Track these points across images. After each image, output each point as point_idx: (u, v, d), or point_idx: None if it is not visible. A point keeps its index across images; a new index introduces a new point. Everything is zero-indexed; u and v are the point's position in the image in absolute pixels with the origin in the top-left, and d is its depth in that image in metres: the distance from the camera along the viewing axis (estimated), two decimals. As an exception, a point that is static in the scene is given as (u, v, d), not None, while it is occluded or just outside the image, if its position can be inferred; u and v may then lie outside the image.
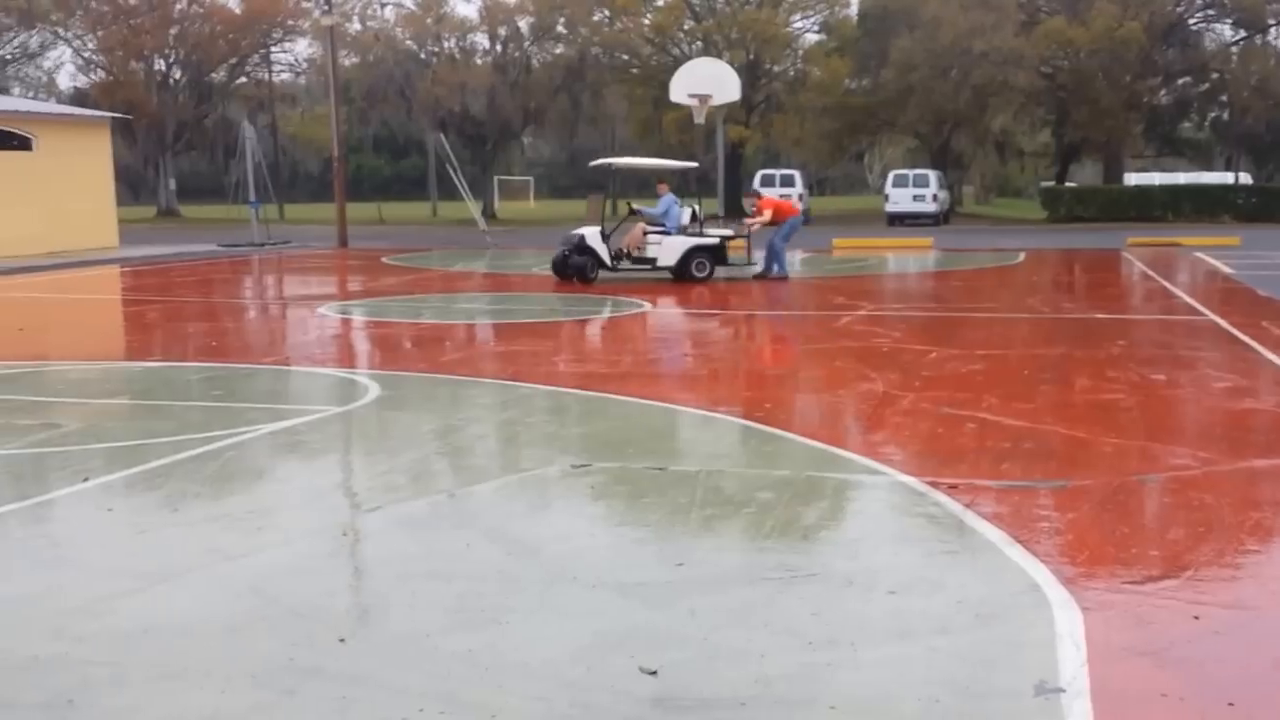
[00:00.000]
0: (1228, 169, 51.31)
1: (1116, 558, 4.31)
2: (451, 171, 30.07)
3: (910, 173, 38.52)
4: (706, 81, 22.54)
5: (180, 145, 50.60)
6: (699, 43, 43.79)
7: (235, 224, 31.45)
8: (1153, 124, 43.25)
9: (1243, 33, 42.57)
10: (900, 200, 36.30)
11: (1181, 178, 47.76)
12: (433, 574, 4.12)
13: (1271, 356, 9.17)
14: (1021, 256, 21.77)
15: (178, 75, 50.19)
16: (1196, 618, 3.72)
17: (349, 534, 4.67)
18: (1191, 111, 44.61)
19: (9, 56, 52.91)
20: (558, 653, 3.41)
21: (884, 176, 44.57)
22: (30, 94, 52.89)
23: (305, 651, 3.41)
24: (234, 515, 4.89)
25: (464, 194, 30.42)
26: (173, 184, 49.24)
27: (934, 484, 5.28)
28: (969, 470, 5.61)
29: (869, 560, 4.30)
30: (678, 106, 26.52)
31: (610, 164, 18.10)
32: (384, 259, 22.45)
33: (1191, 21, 41.78)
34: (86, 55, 51.29)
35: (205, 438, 6.30)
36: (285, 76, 54.93)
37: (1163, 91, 42.60)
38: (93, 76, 51.52)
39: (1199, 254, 21.61)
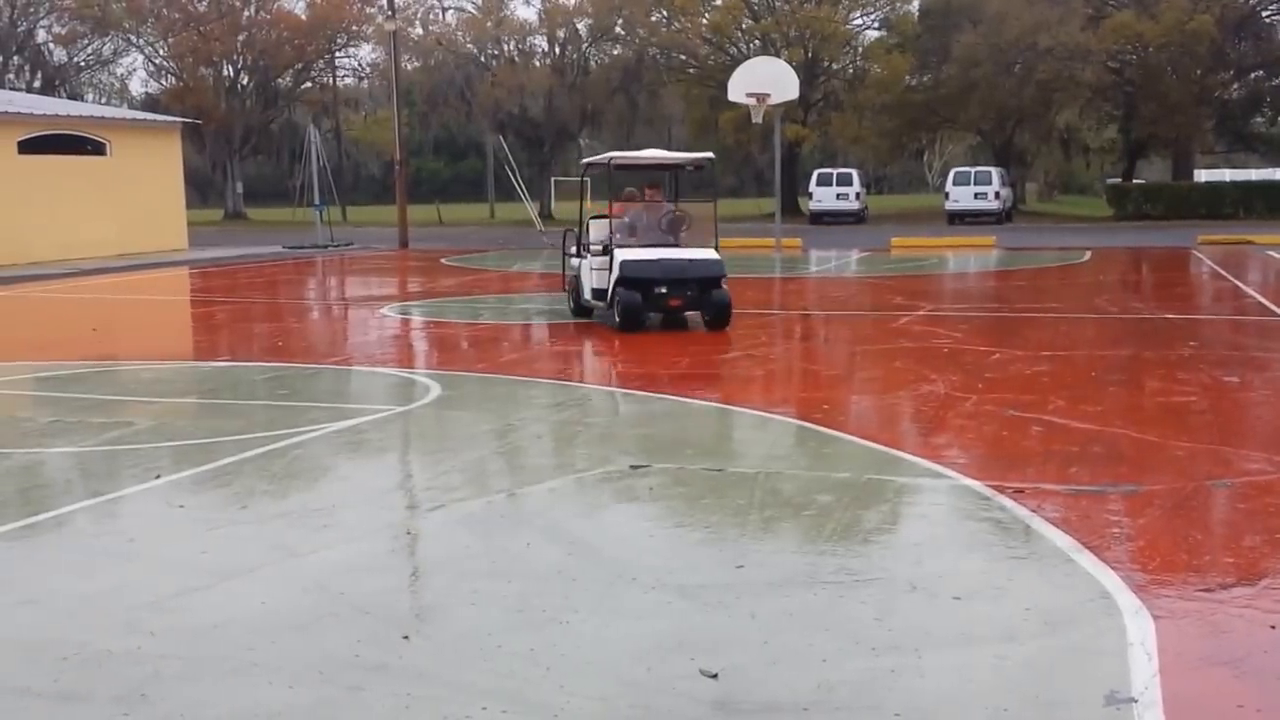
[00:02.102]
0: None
1: (1189, 565, 4.20)
2: (509, 173, 30.34)
3: (972, 170, 37.92)
4: (765, 80, 22.41)
5: (247, 149, 51.67)
6: (757, 41, 43.57)
7: (300, 226, 32.05)
8: (1223, 119, 42.03)
9: (1319, 26, 41.19)
10: (961, 198, 35.75)
11: (1254, 174, 46.33)
12: (494, 573, 4.16)
13: (1352, 358, 8.87)
14: (1087, 255, 21.31)
15: (245, 80, 51.28)
16: (1273, 627, 3.62)
17: (411, 532, 4.73)
18: (1264, 106, 43.23)
19: (83, 63, 54.53)
20: (619, 653, 3.42)
21: (944, 174, 43.91)
22: (103, 100, 54.47)
23: (370, 648, 3.46)
24: (300, 513, 4.98)
25: (521, 195, 30.68)
26: (240, 187, 50.31)
27: (999, 488, 5.18)
28: (1035, 474, 5.50)
29: (933, 565, 4.24)
30: (734, 106, 26.43)
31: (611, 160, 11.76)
32: (443, 260, 22.71)
33: (1265, 14, 40.52)
34: (158, 61, 52.69)
35: (271, 436, 6.42)
36: (349, 81, 55.92)
37: (1234, 86, 41.39)
38: (163, 82, 52.89)
39: (1271, 252, 20.97)
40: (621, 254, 10.73)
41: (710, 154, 12.23)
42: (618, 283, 10.63)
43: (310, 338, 11.80)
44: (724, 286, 10.85)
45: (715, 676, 3.23)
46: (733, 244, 26.46)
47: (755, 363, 9.31)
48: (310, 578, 4.11)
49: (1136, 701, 3.07)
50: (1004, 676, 3.26)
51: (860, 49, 45.44)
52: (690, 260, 10.86)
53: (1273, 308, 12.60)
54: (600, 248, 11.23)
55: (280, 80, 51.89)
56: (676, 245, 11.17)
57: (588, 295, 11.51)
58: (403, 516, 4.97)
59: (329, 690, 3.19)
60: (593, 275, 11.28)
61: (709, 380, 8.32)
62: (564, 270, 12.71)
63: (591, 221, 11.76)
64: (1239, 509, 4.98)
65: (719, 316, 10.80)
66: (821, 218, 37.47)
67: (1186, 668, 3.33)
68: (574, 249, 12.00)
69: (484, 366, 9.13)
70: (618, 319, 10.59)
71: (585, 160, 12.58)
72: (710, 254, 11.03)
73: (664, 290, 10.71)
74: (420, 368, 9.38)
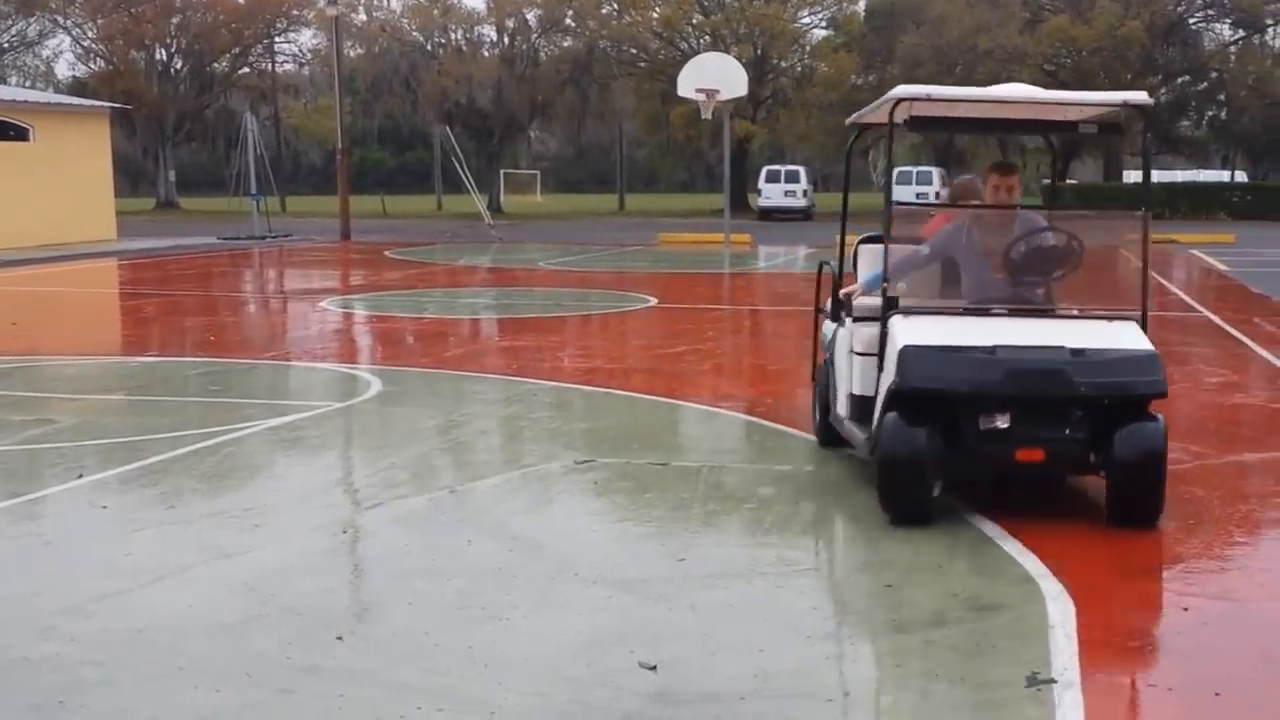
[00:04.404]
0: (1224, 167, 51.35)
1: (1109, 550, 4.32)
2: (457, 164, 30.04)
3: (914, 169, 38.52)
4: (714, 76, 22.49)
5: (180, 136, 50.53)
6: (707, 37, 43.75)
7: (236, 216, 31.41)
8: (1151, 123, 43.25)
9: (1241, 33, 42.75)
10: (904, 196, 36.31)
11: (1179, 176, 47.72)
12: (433, 571, 4.10)
13: (1263, 352, 9.22)
14: (1024, 253, 21.72)
15: (179, 65, 50.13)
16: (1186, 609, 3.76)
17: (348, 531, 4.65)
18: (1190, 110, 44.65)
19: (6, 45, 52.86)
20: (558, 649, 3.40)
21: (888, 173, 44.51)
22: (27, 83, 52.79)
23: (302, 650, 3.39)
24: (231, 512, 4.86)
25: (469, 187, 30.40)
26: (172, 175, 49.17)
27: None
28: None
29: (868, 554, 4.30)
30: (685, 101, 26.48)
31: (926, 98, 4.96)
32: (387, 253, 22.42)
33: (1191, 21, 41.84)
34: (86, 44, 51.30)
35: (203, 434, 6.26)
36: (289, 67, 54.97)
37: (1162, 90, 42.66)
38: (92, 66, 51.53)
39: (1194, 251, 21.59)
40: (906, 329, 4.70)
41: (1144, 95, 5.23)
42: (890, 399, 4.66)
43: (246, 332, 11.55)
44: (1157, 418, 4.64)
45: (654, 669, 3.22)
46: (683, 239, 26.58)
47: (701, 357, 9.32)
48: (240, 579, 4.01)
49: (1056, 682, 3.15)
50: (931, 660, 3.32)
51: (808, 47, 45.90)
52: (1074, 352, 4.59)
53: (1193, 304, 12.96)
54: (853, 300, 5.44)
55: (216, 65, 50.79)
56: (1045, 307, 5.08)
57: (841, 407, 5.44)
58: (340, 515, 4.88)
59: (258, 693, 3.12)
60: (856, 366, 5.20)
61: (654, 375, 8.32)
62: (815, 344, 6.58)
63: (863, 247, 5.84)
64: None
65: (1143, 490, 4.53)
66: (770, 214, 37.78)
67: (1104, 649, 3.43)
68: (830, 303, 5.98)
69: (428, 361, 9.01)
70: (879, 490, 4.66)
71: (857, 118, 5.90)
72: (1129, 334, 4.79)
73: (1001, 423, 4.55)
74: (361, 363, 9.24)
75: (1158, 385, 4.56)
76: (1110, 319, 4.91)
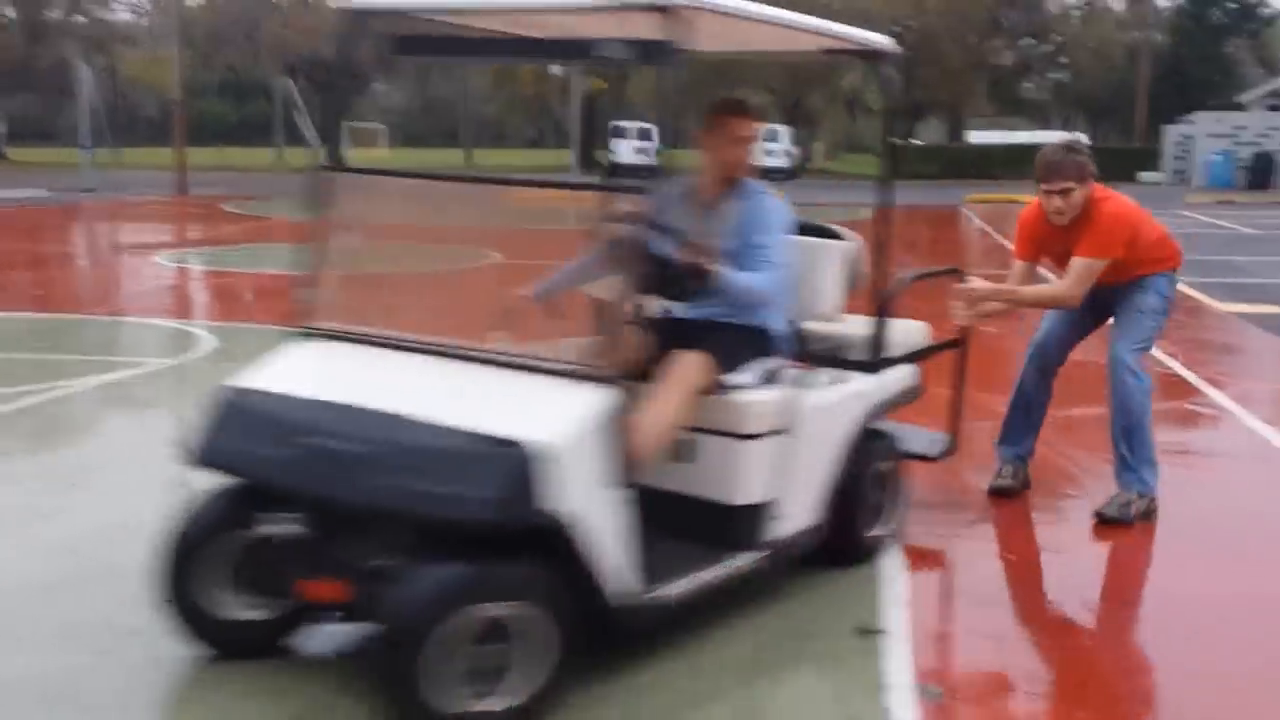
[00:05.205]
0: (1065, 129, 54.22)
1: (939, 504, 4.51)
2: (298, 117, 28.90)
3: (762, 128, 39.14)
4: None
5: (11, 85, 46.87)
6: (558, -10, 43.02)
7: (68, 168, 29.39)
8: (995, 84, 45.15)
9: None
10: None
11: (1021, 136, 50.18)
12: (267, 528, 4.01)
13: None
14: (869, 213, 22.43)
15: (9, 13, 46.34)
16: (1011, 559, 4.00)
17: (180, 488, 4.49)
18: (1032, 72, 46.75)
19: None
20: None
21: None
22: None
23: (124, 612, 3.27)
24: (52, 472, 4.64)
25: (312, 141, 29.31)
26: (3, 126, 45.67)
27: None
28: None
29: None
30: (536, 55, 26.05)
31: None
32: (225, 206, 21.43)
33: (1036, -16, 43.68)
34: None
35: (24, 391, 5.91)
36: (126, 17, 51.55)
37: (1006, 52, 44.48)
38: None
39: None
40: (269, 363, 3.14)
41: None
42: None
43: (74, 286, 10.90)
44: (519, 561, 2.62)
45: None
46: (530, 196, 26.09)
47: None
48: (60, 540, 3.84)
49: (884, 632, 3.28)
50: (769, 613, 3.37)
51: (661, 4, 45.64)
52: (405, 428, 2.68)
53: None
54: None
55: (49, 13, 47.25)
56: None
57: None
58: (167, 475, 4.69)
59: (76, 657, 3.01)
60: None
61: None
62: None
63: None
64: (986, 449, 5.36)
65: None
66: (621, 171, 37.75)
67: (931, 600, 3.63)
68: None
69: (266, 318, 8.72)
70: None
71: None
72: (543, 411, 2.67)
73: (286, 531, 2.74)
74: (196, 319, 8.86)
75: (463, 506, 2.51)
76: (569, 375, 2.76)
